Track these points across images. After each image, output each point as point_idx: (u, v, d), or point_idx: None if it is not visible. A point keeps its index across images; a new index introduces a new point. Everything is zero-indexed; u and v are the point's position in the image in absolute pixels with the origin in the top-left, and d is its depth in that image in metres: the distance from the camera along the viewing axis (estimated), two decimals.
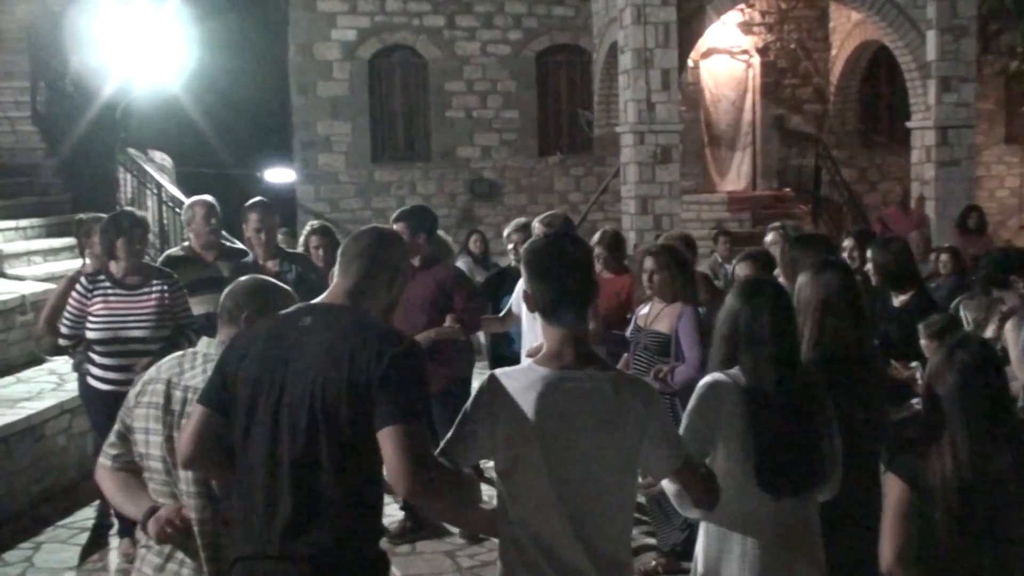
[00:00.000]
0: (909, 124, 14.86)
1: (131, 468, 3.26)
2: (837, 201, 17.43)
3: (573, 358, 2.96)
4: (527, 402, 2.88)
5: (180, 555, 3.17)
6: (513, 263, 7.26)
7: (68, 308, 5.86)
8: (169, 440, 3.15)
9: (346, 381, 2.76)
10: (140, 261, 5.92)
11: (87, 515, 6.67)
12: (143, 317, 5.77)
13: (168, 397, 3.20)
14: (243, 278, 3.55)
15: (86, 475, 7.17)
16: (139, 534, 3.24)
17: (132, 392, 3.33)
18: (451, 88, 17.43)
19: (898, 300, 5.74)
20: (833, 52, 17.81)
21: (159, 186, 12.82)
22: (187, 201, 7.03)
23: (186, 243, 6.88)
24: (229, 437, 2.94)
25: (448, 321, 6.07)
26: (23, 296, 8.52)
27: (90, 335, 5.78)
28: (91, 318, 5.76)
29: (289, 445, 2.80)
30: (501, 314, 6.41)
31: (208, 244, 6.61)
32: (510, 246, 7.32)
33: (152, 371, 3.34)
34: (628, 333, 5.92)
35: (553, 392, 2.89)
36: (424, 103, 17.53)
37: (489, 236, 12.16)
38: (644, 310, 5.79)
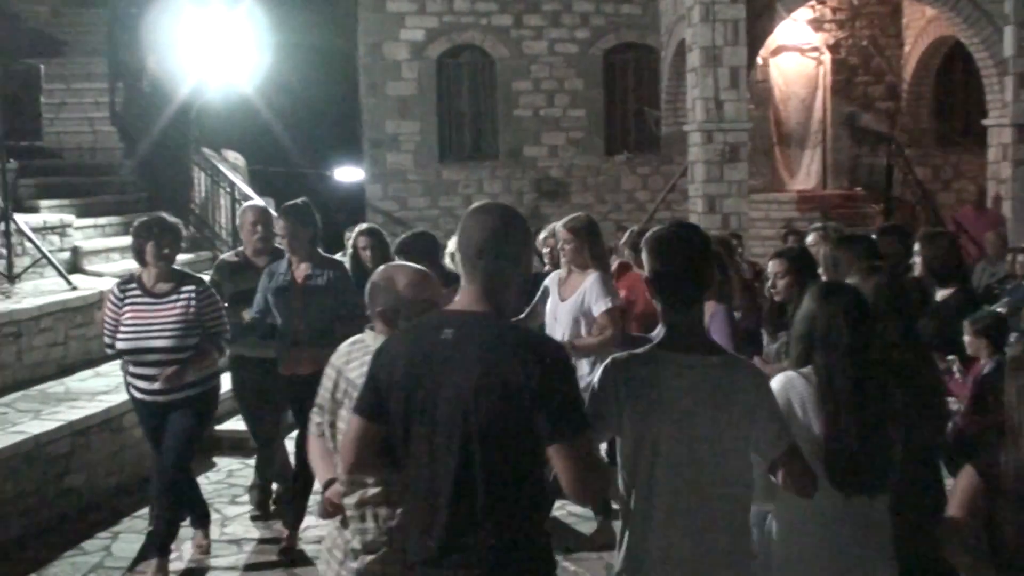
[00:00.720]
0: (985, 122, 14.56)
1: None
2: (910, 201, 17.16)
3: (691, 341, 3.08)
4: (650, 384, 2.99)
5: (350, 531, 3.45)
6: (547, 267, 7.25)
7: (105, 317, 5.75)
8: (332, 426, 3.42)
9: (500, 396, 2.75)
10: (169, 267, 5.75)
11: None
12: (167, 326, 5.58)
13: (336, 385, 3.43)
14: (378, 270, 3.68)
15: None
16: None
17: (325, 371, 3.57)
18: (518, 87, 17.48)
19: (940, 294, 5.75)
20: (906, 48, 17.53)
21: (232, 185, 13.05)
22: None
23: (241, 249, 6.89)
24: (389, 441, 2.99)
25: None
26: (101, 292, 8.72)
27: (118, 344, 5.66)
28: (120, 327, 5.62)
29: (445, 461, 2.81)
30: (523, 315, 6.34)
31: (257, 251, 6.61)
32: (545, 250, 7.32)
33: (334, 356, 3.58)
34: (656, 334, 5.87)
35: (674, 374, 3.01)
36: (491, 102, 17.61)
37: None
38: None
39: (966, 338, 5.27)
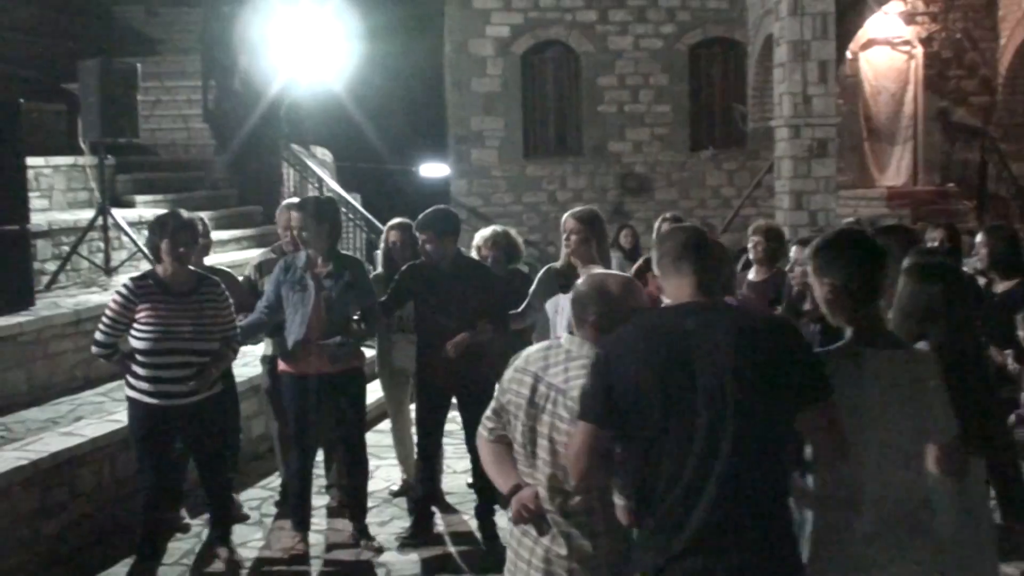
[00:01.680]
0: None
1: (505, 441, 3.52)
2: (1004, 197, 16.76)
3: (877, 336, 3.23)
4: (845, 377, 3.12)
5: (549, 537, 3.36)
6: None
7: (107, 313, 5.40)
8: (532, 431, 3.33)
9: (757, 374, 2.90)
10: (186, 265, 5.49)
11: (254, 496, 7.00)
12: (193, 327, 5.34)
13: (534, 390, 3.36)
14: (585, 279, 3.56)
15: (256, 456, 7.62)
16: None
17: (506, 375, 3.50)
18: (603, 83, 17.47)
19: (1001, 286, 5.87)
20: (1002, 41, 17.10)
21: (320, 180, 13.27)
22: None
23: (278, 244, 6.81)
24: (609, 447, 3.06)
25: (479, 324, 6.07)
26: None
27: (135, 344, 5.33)
28: (136, 326, 5.30)
29: (711, 448, 2.89)
30: (519, 309, 6.22)
31: (294, 249, 6.38)
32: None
33: (521, 360, 3.50)
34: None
35: (866, 367, 3.16)
36: (576, 98, 17.63)
37: (640, 231, 12.15)
38: None
39: (1020, 333, 5.34)
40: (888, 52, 17.08)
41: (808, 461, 3.20)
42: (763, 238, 6.93)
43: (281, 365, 6.05)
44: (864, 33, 15.93)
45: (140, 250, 9.39)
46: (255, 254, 7.79)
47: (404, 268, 6.39)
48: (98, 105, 9.01)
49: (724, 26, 17.49)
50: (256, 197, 13.21)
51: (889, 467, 3.10)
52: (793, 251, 5.83)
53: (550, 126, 17.85)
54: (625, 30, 17.45)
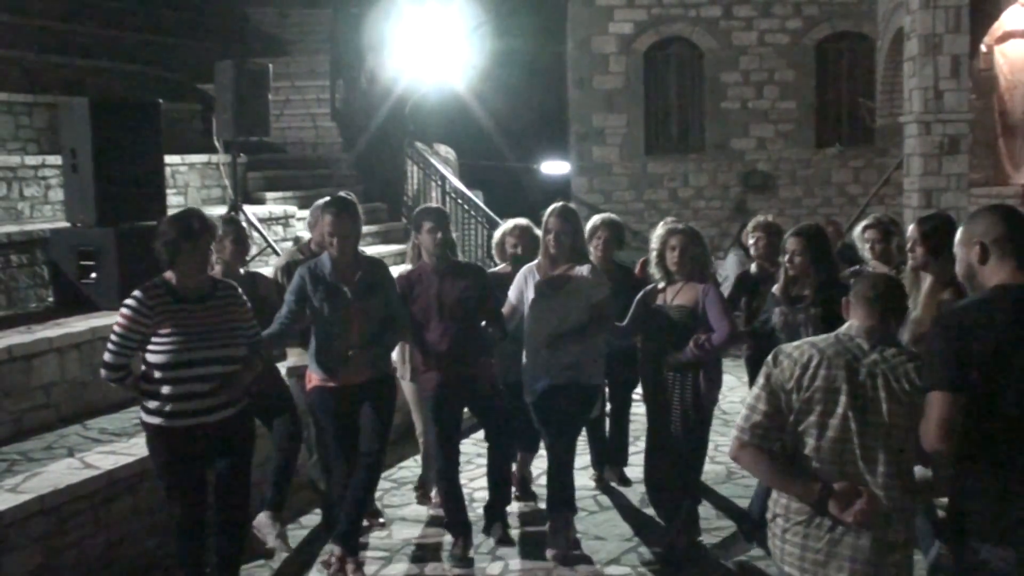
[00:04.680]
0: None
1: (773, 447, 3.41)
2: None
3: None
4: None
5: (851, 537, 3.34)
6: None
7: (116, 330, 4.79)
8: (863, 414, 3.33)
9: None
10: (205, 272, 4.99)
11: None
12: (217, 335, 4.86)
13: (851, 378, 3.36)
14: (873, 274, 3.79)
15: None
16: (779, 508, 3.46)
17: (787, 375, 3.40)
18: (726, 79, 17.29)
19: None
20: None
21: (443, 178, 13.48)
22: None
23: (306, 242, 6.56)
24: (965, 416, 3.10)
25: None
26: None
27: (153, 359, 4.77)
28: (154, 339, 4.75)
29: None
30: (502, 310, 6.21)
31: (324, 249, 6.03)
32: (751, 241, 7.24)
33: (805, 353, 3.42)
34: (630, 321, 6.13)
35: None
36: (698, 94, 17.49)
37: None
38: (660, 290, 6.03)
39: None
40: None
41: None
42: (764, 234, 6.91)
43: (314, 379, 5.70)
44: (1000, 26, 15.38)
45: (269, 245, 9.70)
46: (379, 251, 7.93)
47: (403, 274, 6.13)
48: (232, 105, 9.31)
49: (852, 20, 17.12)
50: (381, 194, 13.49)
51: None
52: (788, 243, 5.94)
53: (672, 123, 17.74)
54: (750, 25, 17.23)
